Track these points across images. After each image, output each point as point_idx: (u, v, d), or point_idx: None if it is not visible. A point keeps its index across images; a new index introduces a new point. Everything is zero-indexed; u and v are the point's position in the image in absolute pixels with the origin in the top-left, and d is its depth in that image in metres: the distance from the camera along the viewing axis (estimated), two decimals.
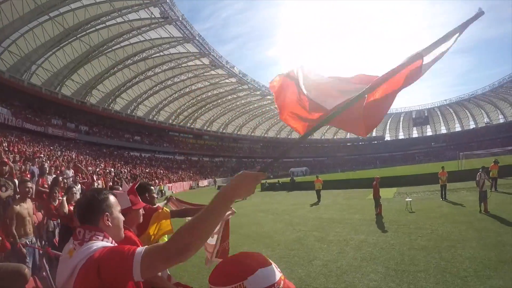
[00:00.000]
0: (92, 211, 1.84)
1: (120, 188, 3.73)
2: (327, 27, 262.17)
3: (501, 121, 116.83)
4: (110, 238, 1.79)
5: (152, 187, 4.16)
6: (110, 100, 65.41)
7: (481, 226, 11.01)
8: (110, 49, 54.62)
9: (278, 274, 1.19)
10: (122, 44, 54.80)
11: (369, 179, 28.57)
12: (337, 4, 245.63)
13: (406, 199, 16.44)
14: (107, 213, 1.85)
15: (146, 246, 1.50)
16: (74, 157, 36.81)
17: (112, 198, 1.96)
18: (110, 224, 1.84)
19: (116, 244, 1.79)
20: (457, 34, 2.01)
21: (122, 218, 1.98)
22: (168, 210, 3.90)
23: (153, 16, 51.76)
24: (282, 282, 1.18)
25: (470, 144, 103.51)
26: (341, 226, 12.79)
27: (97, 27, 49.03)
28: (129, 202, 3.01)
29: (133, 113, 71.96)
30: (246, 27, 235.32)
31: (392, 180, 28.54)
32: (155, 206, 3.86)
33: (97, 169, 33.72)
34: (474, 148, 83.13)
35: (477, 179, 14.26)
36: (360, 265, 7.81)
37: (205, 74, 74.04)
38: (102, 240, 1.72)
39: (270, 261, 1.24)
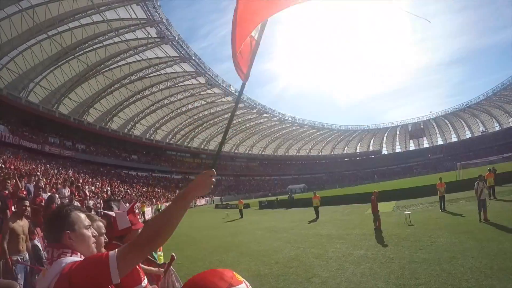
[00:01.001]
0: (53, 229, 1.82)
1: (115, 208, 3.68)
2: (324, 44, 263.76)
3: (497, 129, 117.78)
4: (79, 254, 1.75)
5: (112, 203, 4.20)
6: (107, 119, 65.52)
7: (481, 235, 10.90)
8: (108, 68, 54.97)
9: None
10: (119, 63, 55.20)
11: (368, 194, 28.41)
12: (334, 23, 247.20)
13: (405, 212, 16.27)
14: (67, 231, 1.78)
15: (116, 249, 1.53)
16: (70, 175, 36.64)
17: (75, 215, 1.88)
18: (73, 242, 1.78)
19: None
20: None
21: (88, 235, 1.89)
22: None
23: (149, 36, 52.26)
24: None
25: (467, 153, 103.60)
26: (340, 242, 12.64)
27: (95, 46, 49.41)
28: (128, 222, 3.03)
29: (130, 132, 72.00)
30: None
31: (391, 194, 28.38)
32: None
33: (93, 188, 33.55)
34: (471, 158, 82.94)
35: (475, 187, 14.21)
36: (360, 281, 7.66)
37: (201, 93, 74.55)
38: (71, 256, 1.69)
39: (241, 279, 1.23)
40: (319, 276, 8.38)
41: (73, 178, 32.29)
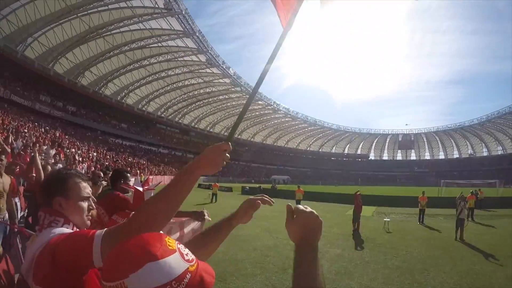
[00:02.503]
0: (46, 192, 1.66)
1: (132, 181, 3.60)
2: (329, 42, 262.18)
3: (485, 154, 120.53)
4: (72, 224, 1.62)
5: (128, 175, 3.97)
6: (102, 83, 64.92)
7: (455, 253, 11.18)
8: (109, 33, 54.26)
9: (183, 265, 0.92)
10: (121, 29, 54.42)
11: (350, 195, 28.84)
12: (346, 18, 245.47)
13: (385, 219, 16.52)
14: (59, 197, 1.62)
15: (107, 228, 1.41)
16: (58, 136, 36.33)
17: (73, 181, 1.71)
18: (64, 211, 1.62)
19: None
20: None
21: (83, 207, 1.70)
22: None
23: (156, 6, 51.55)
24: (188, 275, 0.91)
25: (452, 172, 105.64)
26: None
27: (99, 9, 48.58)
28: None
29: (123, 100, 71.40)
30: (250, 29, 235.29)
31: (373, 199, 28.70)
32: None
33: (79, 151, 33.24)
34: (455, 177, 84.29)
35: (456, 203, 14.50)
36: (334, 278, 7.77)
37: (200, 71, 74.19)
38: (62, 226, 1.57)
39: (175, 247, 0.96)
40: None
41: (60, 140, 32.06)
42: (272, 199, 1.83)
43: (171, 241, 0.98)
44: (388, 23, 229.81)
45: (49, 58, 51.96)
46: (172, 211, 1.40)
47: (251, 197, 1.85)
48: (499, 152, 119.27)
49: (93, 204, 1.80)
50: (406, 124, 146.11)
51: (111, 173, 4.52)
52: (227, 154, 1.47)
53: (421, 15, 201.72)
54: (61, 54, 53.13)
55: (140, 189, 3.10)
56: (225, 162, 1.48)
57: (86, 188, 1.75)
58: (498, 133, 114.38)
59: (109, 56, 59.52)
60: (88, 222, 1.75)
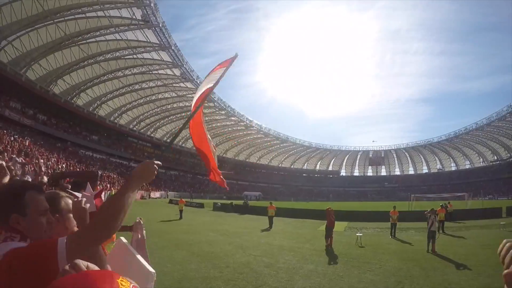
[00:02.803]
0: (1, 209, 1.58)
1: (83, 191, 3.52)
2: (303, 59, 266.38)
3: (453, 169, 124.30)
4: (29, 240, 1.54)
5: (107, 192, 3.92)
6: (74, 93, 63.20)
7: (427, 264, 11.37)
8: (85, 41, 53.07)
9: None
10: (97, 38, 53.54)
11: (322, 211, 29.06)
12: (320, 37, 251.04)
13: (357, 234, 16.68)
14: (15, 214, 1.55)
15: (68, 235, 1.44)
16: (27, 144, 35.42)
17: (30, 196, 1.61)
18: (21, 228, 1.55)
19: None
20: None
21: (41, 222, 1.62)
22: None
23: (134, 17, 51.20)
24: None
25: (422, 187, 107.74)
26: (291, 254, 12.74)
27: (76, 16, 47.52)
28: (94, 207, 2.84)
29: (95, 111, 69.61)
30: (226, 45, 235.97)
31: (344, 214, 28.80)
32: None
33: (49, 163, 32.48)
34: (425, 191, 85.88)
35: (426, 216, 14.83)
36: None
37: (174, 85, 73.89)
38: (20, 241, 1.52)
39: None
40: (268, 285, 8.44)
41: (29, 149, 31.30)
42: None
43: (125, 284, 0.85)
44: (360, 44, 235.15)
45: (22, 63, 50.19)
46: (125, 214, 1.55)
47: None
48: (467, 166, 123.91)
49: (51, 218, 1.73)
50: (373, 141, 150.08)
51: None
52: (155, 166, 1.79)
53: (392, 36, 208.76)
54: (35, 60, 51.43)
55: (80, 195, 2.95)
56: (155, 173, 1.79)
57: (43, 202, 1.69)
58: (465, 148, 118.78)
59: (83, 66, 58.07)
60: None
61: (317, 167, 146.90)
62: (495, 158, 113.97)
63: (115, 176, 56.53)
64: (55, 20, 46.48)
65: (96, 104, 69.40)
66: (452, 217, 28.06)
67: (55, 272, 1.18)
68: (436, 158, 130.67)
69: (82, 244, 1.40)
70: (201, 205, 42.70)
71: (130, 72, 65.37)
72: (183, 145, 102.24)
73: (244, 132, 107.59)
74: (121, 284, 0.82)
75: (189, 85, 74.22)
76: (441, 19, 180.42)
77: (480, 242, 16.35)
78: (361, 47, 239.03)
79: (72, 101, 63.11)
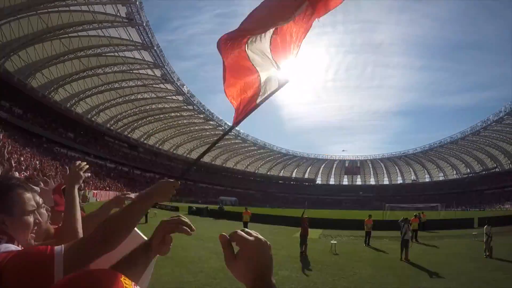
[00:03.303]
0: None
1: (41, 184, 3.38)
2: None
3: (427, 180, 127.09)
4: (16, 243, 1.43)
5: (80, 192, 3.81)
6: (52, 88, 61.76)
7: (401, 272, 11.58)
8: (67, 35, 52.07)
9: None
10: (80, 33, 52.68)
11: (297, 218, 29.19)
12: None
13: (331, 241, 16.73)
14: (1, 214, 1.44)
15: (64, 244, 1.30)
16: (0, 137, 34.54)
17: (16, 195, 1.50)
18: (7, 229, 1.43)
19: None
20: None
21: (29, 222, 1.51)
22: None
23: (118, 14, 50.84)
24: None
25: (396, 197, 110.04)
26: None
27: (60, 8, 46.61)
28: (52, 201, 2.70)
29: (73, 108, 68.31)
30: (209, 49, 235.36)
31: (319, 222, 29.03)
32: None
33: (22, 159, 31.71)
34: (399, 201, 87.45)
35: (400, 225, 15.10)
36: None
37: (154, 85, 73.47)
38: (7, 242, 1.39)
39: None
40: None
41: (2, 143, 30.52)
42: (192, 226, 1.53)
43: (128, 282, 0.86)
44: (343, 55, 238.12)
45: (1, 53, 48.63)
46: (130, 230, 1.49)
47: (165, 218, 1.60)
48: (441, 178, 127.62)
49: (39, 218, 1.61)
50: (343, 150, 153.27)
51: None
52: (174, 190, 1.72)
53: (374, 50, 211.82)
54: (14, 51, 49.77)
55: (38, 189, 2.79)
56: (172, 195, 1.75)
57: (31, 200, 1.57)
58: (439, 161, 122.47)
59: (63, 60, 56.81)
60: (32, 241, 1.56)
61: (293, 175, 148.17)
62: (468, 171, 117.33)
63: (89, 175, 55.46)
64: (38, 12, 45.42)
65: (74, 101, 68.20)
66: (425, 226, 28.68)
67: (48, 285, 1.09)
68: (411, 169, 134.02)
69: (81, 259, 1.28)
70: (176, 209, 42.29)
71: (110, 70, 64.60)
72: (160, 146, 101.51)
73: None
74: (125, 283, 0.82)
75: (169, 86, 74.02)
76: (423, 35, 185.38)
77: (452, 251, 16.72)
78: (343, 59, 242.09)
79: (50, 96, 61.68)
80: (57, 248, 1.26)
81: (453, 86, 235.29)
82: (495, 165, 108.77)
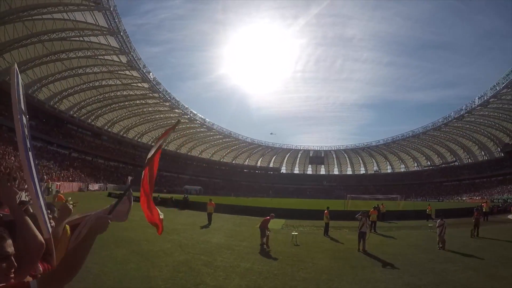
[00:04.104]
0: None
1: None
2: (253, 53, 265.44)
3: (389, 171, 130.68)
4: None
5: (54, 208, 3.85)
6: None
7: (357, 263, 12.13)
8: (30, 18, 49.49)
9: None
10: (44, 16, 50.14)
11: (261, 208, 30.50)
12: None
13: (292, 233, 17.17)
14: None
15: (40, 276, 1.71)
16: None
17: None
18: None
19: None
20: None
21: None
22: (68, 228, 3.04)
23: None
24: None
25: (358, 187, 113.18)
26: (229, 252, 13.00)
27: None
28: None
29: (34, 94, 65.52)
30: (179, 35, 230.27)
31: (282, 212, 29.44)
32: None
33: None
34: (361, 191, 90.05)
35: (357, 218, 15.63)
36: None
37: (119, 72, 72.03)
38: None
39: None
40: (206, 284, 8.64)
41: None
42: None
43: None
44: (313, 48, 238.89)
45: None
46: (84, 262, 1.84)
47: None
48: (402, 170, 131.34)
49: (14, 263, 1.66)
50: (271, 133, 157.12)
51: None
52: (108, 222, 2.19)
53: (345, 44, 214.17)
54: None
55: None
56: (107, 226, 2.17)
57: (7, 247, 1.66)
58: (401, 153, 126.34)
59: (25, 44, 54.31)
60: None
61: (258, 164, 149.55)
62: (429, 163, 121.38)
63: (52, 166, 54.14)
64: None
65: (36, 87, 65.40)
66: (385, 217, 29.72)
67: None
68: (374, 160, 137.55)
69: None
70: (139, 199, 41.40)
71: (74, 55, 62.61)
72: (124, 134, 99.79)
73: (188, 125, 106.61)
74: None
75: (134, 73, 72.80)
76: (393, 32, 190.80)
77: (408, 242, 17.54)
78: (313, 51, 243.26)
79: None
80: (32, 282, 1.55)
81: (418, 83, 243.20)
82: (454, 159, 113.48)
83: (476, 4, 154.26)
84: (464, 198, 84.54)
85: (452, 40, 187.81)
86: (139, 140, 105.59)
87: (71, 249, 1.86)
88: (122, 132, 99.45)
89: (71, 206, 3.13)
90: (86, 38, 58.97)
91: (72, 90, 73.58)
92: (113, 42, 61.35)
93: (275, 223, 20.43)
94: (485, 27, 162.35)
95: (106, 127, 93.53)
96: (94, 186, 61.39)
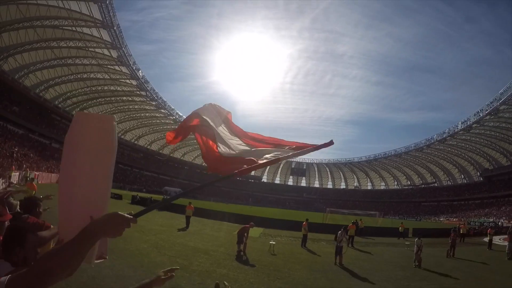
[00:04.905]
0: None
1: None
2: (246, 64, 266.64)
3: (369, 187, 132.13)
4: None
5: (41, 202, 3.89)
6: (2, 56, 57.25)
7: (334, 276, 12.18)
8: (24, 2, 48.46)
9: None
10: (39, 1, 49.34)
11: (240, 215, 30.80)
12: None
13: (270, 242, 17.21)
14: None
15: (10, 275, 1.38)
16: None
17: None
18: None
19: None
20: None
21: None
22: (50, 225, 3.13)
23: None
24: None
25: (338, 201, 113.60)
26: (205, 257, 12.89)
27: None
28: None
29: (21, 80, 63.98)
30: (172, 35, 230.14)
31: (261, 221, 29.46)
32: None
33: None
34: (340, 206, 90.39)
35: (338, 235, 15.58)
36: None
37: (108, 66, 71.32)
38: None
39: None
40: None
41: None
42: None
43: None
44: (304, 61, 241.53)
45: None
46: (71, 267, 1.39)
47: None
48: (382, 187, 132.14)
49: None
50: None
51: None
52: (129, 224, 1.47)
53: (335, 60, 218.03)
54: None
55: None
56: (123, 231, 1.49)
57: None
58: (382, 171, 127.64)
59: (17, 28, 52.97)
60: None
61: None
62: (409, 183, 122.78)
63: (32, 155, 52.97)
64: None
65: (23, 72, 63.86)
66: (363, 233, 29.92)
67: None
68: (355, 176, 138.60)
69: None
70: (119, 196, 40.71)
71: (65, 45, 61.63)
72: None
73: (172, 126, 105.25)
74: None
75: (124, 69, 72.20)
76: (384, 53, 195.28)
77: (385, 259, 17.76)
78: (304, 64, 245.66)
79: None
80: (1, 278, 1.37)
81: (404, 104, 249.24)
82: (434, 180, 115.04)
83: (466, 33, 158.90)
84: (441, 219, 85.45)
85: (441, 64, 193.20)
86: (122, 137, 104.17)
87: (46, 254, 1.40)
88: None
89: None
90: (78, 29, 58.12)
91: (60, 80, 72.50)
92: (105, 35, 60.79)
93: (253, 231, 20.35)
94: (474, 55, 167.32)
95: None
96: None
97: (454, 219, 78.10)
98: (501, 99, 67.84)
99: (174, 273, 2.11)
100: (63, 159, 1.94)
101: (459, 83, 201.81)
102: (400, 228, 32.10)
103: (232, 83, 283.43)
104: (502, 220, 62.38)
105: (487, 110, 72.79)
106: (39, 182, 38.16)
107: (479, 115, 76.21)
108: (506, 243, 22.07)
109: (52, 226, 3.07)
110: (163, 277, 2.13)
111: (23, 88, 64.26)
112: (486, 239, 26.77)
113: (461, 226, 33.89)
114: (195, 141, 75.26)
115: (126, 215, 1.46)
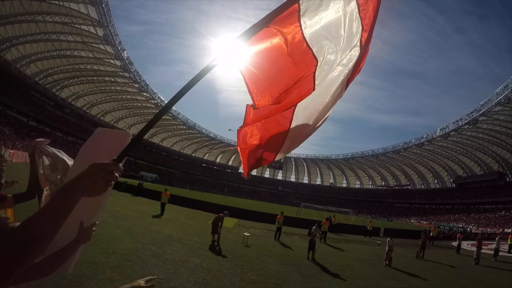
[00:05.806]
0: None
1: None
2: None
3: (344, 185, 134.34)
4: None
5: (2, 172, 3.56)
6: None
7: (306, 270, 12.37)
8: None
9: None
10: None
11: (215, 205, 30.72)
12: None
13: (244, 233, 17.32)
14: None
15: None
16: None
17: None
18: None
19: None
20: None
21: None
22: (11, 195, 2.97)
23: None
24: None
25: (313, 196, 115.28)
26: (179, 246, 12.86)
27: None
28: None
29: (2, 54, 62.31)
30: (161, 18, 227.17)
31: (236, 211, 29.26)
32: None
33: None
34: (314, 201, 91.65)
35: (312, 230, 15.80)
36: None
37: (93, 45, 70.25)
38: None
39: None
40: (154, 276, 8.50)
41: None
42: None
43: None
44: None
45: None
46: (56, 231, 1.19)
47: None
48: (357, 186, 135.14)
49: None
50: (229, 129, 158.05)
51: None
52: (116, 174, 1.28)
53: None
54: None
55: None
56: (111, 185, 1.31)
57: None
58: (358, 170, 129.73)
59: None
60: None
61: (218, 160, 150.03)
62: (383, 183, 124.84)
63: (8, 131, 52.04)
64: None
65: (4, 46, 62.15)
66: (336, 229, 30.46)
67: None
68: (331, 173, 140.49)
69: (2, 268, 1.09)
70: None
71: (51, 19, 59.96)
72: (87, 110, 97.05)
73: (153, 110, 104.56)
74: None
75: (108, 49, 71.27)
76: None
77: (356, 256, 18.16)
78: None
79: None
80: None
81: (386, 106, 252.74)
82: (408, 183, 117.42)
83: (455, 43, 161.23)
84: (412, 221, 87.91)
85: (426, 71, 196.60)
86: (101, 118, 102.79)
87: (26, 220, 1.15)
88: (85, 107, 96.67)
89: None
90: (65, 3, 56.57)
91: (42, 56, 70.90)
92: (93, 12, 59.80)
93: (227, 222, 20.42)
94: (459, 65, 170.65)
95: (70, 99, 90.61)
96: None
97: (424, 222, 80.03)
98: (481, 111, 69.88)
99: (154, 283, 1.96)
100: (72, 166, 1.98)
101: (442, 91, 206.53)
102: (368, 226, 32.75)
103: (217, 71, 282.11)
104: (471, 226, 63.99)
105: (466, 119, 75.05)
106: (14, 161, 36.98)
107: (458, 124, 78.56)
108: (474, 249, 22.67)
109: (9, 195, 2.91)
110: (143, 285, 1.93)
111: (4, 62, 62.71)
112: (455, 244, 27.42)
113: (431, 229, 34.61)
114: (175, 127, 74.49)
115: (106, 163, 1.26)
